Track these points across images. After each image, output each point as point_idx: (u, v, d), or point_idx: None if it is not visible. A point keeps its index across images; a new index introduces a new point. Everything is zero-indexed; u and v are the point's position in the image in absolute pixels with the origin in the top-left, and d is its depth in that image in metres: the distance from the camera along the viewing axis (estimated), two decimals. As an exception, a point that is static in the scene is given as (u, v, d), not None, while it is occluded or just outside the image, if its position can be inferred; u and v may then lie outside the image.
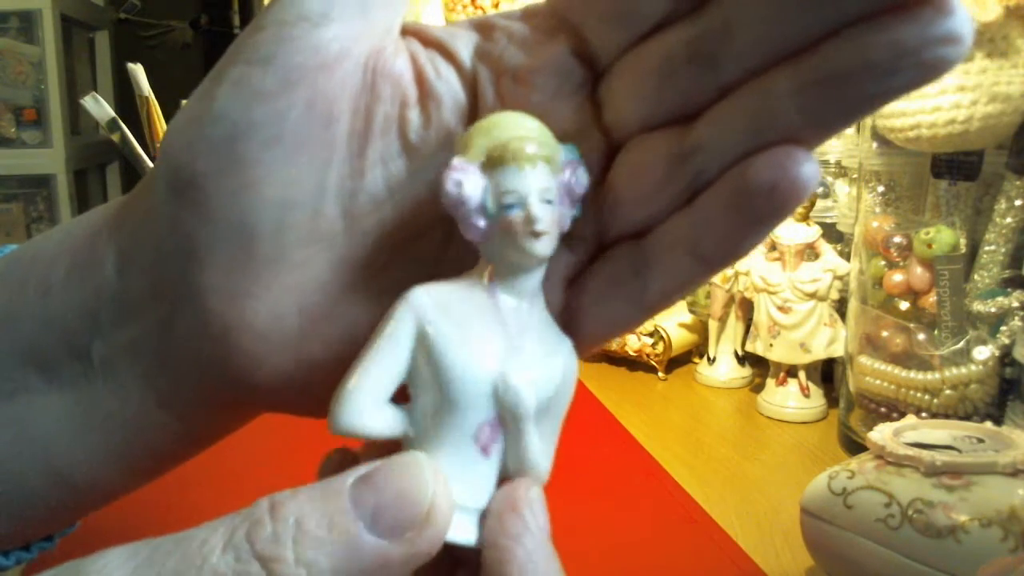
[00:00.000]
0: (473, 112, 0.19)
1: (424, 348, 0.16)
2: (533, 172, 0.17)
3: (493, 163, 0.17)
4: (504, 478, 0.17)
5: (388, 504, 0.14)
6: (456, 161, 0.17)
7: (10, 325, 0.19)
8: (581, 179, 0.17)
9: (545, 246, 0.17)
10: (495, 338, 0.17)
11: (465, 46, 0.19)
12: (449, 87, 0.18)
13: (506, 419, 0.17)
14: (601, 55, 0.18)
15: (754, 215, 0.16)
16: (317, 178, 0.18)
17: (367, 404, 0.16)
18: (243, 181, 0.17)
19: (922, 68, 0.14)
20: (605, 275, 0.19)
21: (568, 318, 0.19)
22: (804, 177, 0.15)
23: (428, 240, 0.19)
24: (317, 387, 0.18)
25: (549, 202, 0.17)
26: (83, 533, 0.24)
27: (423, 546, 0.14)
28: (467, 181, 0.17)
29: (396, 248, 0.19)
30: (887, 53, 0.15)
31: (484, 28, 0.19)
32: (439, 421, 0.16)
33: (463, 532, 0.16)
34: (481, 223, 0.17)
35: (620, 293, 0.18)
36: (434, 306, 0.16)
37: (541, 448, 0.17)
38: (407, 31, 0.19)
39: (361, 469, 0.15)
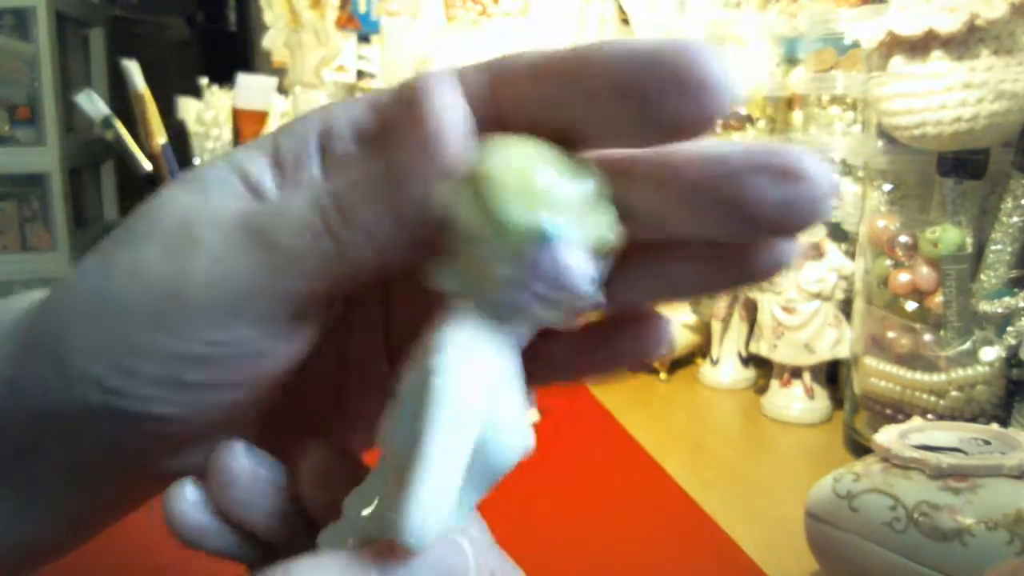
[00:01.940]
0: None
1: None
2: None
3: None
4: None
5: None
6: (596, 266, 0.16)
7: None
8: None
9: None
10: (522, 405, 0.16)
11: None
12: None
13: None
14: None
15: (629, 365, 0.19)
16: None
17: (448, 509, 0.14)
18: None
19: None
20: None
21: None
22: (667, 344, 0.18)
23: (315, 399, 0.20)
24: None
25: None
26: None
27: None
28: None
29: (296, 421, 0.20)
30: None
31: None
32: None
33: None
34: None
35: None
36: (486, 397, 0.15)
37: None
38: None
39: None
